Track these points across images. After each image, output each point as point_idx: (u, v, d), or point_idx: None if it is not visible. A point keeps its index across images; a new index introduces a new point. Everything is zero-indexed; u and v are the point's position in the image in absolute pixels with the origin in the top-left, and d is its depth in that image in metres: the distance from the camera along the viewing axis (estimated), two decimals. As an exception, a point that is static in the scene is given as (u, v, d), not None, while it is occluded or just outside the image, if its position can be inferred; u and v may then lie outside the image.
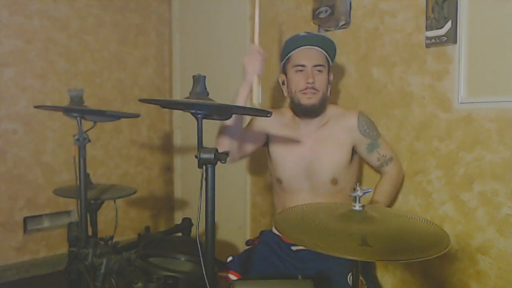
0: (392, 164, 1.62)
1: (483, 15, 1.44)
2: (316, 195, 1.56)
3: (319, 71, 1.52)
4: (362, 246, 0.82)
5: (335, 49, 1.59)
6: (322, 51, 1.55)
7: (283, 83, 1.62)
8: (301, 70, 1.52)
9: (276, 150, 1.63)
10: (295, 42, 1.56)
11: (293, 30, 2.18)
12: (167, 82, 3.21)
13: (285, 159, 1.60)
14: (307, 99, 1.52)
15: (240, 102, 1.45)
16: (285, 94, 1.61)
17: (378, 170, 1.66)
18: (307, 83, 1.50)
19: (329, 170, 1.54)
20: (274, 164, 1.64)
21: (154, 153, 3.18)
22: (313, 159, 1.56)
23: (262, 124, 1.64)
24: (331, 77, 1.61)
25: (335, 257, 0.79)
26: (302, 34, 1.57)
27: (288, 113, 1.65)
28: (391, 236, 0.89)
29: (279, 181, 1.62)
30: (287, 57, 1.57)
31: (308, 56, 1.53)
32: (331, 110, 1.62)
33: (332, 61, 1.59)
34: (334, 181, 1.54)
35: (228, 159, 1.54)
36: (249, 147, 1.63)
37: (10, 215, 2.53)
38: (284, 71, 1.60)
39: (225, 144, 1.50)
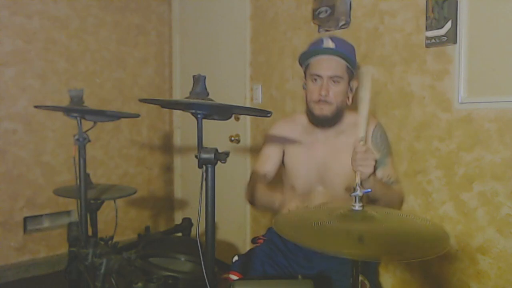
0: (395, 185, 1.56)
1: (483, 15, 1.44)
2: (330, 201, 1.53)
3: (335, 82, 1.47)
4: (358, 244, 0.82)
5: (355, 55, 1.55)
6: (342, 60, 1.48)
7: (303, 87, 1.59)
8: (316, 80, 1.49)
9: (291, 158, 1.61)
10: (314, 51, 1.51)
11: (293, 30, 2.18)
12: (167, 82, 3.21)
13: (299, 166, 1.58)
14: (319, 110, 1.49)
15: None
16: (305, 99, 1.58)
17: None
18: (320, 95, 1.47)
19: (343, 179, 1.51)
20: (288, 172, 1.63)
21: (154, 153, 3.18)
22: (328, 167, 1.54)
23: (279, 139, 1.63)
24: (355, 85, 1.55)
25: (339, 257, 0.79)
26: (324, 42, 1.49)
27: (304, 118, 1.61)
28: (389, 236, 0.89)
29: (293, 188, 1.61)
30: (306, 64, 1.54)
31: (325, 66, 1.48)
32: (350, 117, 1.56)
33: (354, 68, 1.53)
34: (349, 189, 1.51)
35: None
36: (276, 169, 1.66)
37: (10, 215, 2.53)
38: (305, 76, 1.57)
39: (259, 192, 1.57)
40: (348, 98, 1.55)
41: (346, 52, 1.49)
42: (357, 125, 1.54)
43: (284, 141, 1.64)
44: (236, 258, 1.50)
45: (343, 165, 1.51)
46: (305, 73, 1.57)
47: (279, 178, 1.72)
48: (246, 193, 1.67)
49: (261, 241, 1.63)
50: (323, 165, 1.55)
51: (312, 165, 1.56)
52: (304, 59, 1.55)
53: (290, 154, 1.62)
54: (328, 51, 1.48)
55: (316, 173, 1.55)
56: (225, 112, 1.09)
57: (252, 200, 1.62)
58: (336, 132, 1.56)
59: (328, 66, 1.48)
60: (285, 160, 1.64)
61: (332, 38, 1.51)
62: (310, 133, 1.59)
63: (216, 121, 1.10)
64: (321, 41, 1.51)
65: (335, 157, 1.53)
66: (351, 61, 1.50)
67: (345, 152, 1.52)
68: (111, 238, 1.60)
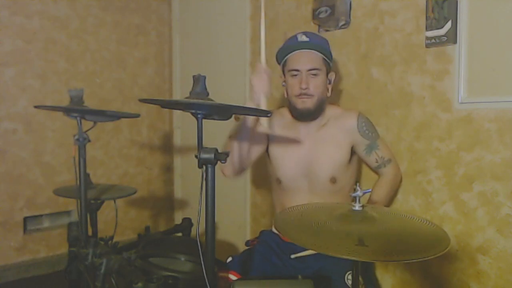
0: (390, 165, 1.63)
1: (483, 15, 1.44)
2: (315, 194, 1.56)
3: (314, 75, 1.51)
4: (358, 246, 0.82)
5: (329, 48, 1.58)
6: (318, 53, 1.52)
7: (283, 85, 1.62)
8: (295, 75, 1.52)
9: (276, 151, 1.63)
10: (290, 46, 1.55)
11: (293, 30, 2.18)
12: (167, 82, 3.21)
13: (284, 159, 1.60)
14: (302, 103, 1.53)
15: (249, 121, 1.48)
16: (285, 96, 1.61)
17: (375, 171, 1.66)
18: (301, 88, 1.50)
19: (328, 169, 1.54)
20: (273, 165, 1.65)
21: (154, 153, 3.18)
22: (312, 158, 1.56)
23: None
24: (332, 77, 1.59)
25: (333, 256, 0.79)
26: (298, 38, 1.55)
27: (287, 113, 1.65)
28: (389, 236, 0.89)
29: (279, 181, 1.63)
30: (283, 60, 1.58)
31: (302, 60, 1.52)
32: (330, 110, 1.61)
33: (330, 60, 1.57)
34: (333, 180, 1.54)
35: (232, 172, 1.58)
36: (254, 154, 1.63)
37: (10, 215, 2.53)
38: (283, 73, 1.61)
39: (233, 159, 1.54)
40: (328, 90, 1.59)
41: (321, 44, 1.54)
42: (339, 118, 1.58)
43: (270, 128, 1.64)
44: (230, 259, 1.50)
45: (326, 157, 1.55)
46: (283, 70, 1.60)
47: (266, 173, 1.73)
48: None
49: (254, 243, 1.64)
50: (307, 157, 1.57)
51: (296, 158, 1.59)
52: (281, 57, 1.59)
53: (275, 146, 1.65)
54: (303, 45, 1.52)
55: (300, 166, 1.58)
56: (225, 112, 1.09)
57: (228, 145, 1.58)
58: (318, 125, 1.59)
59: (305, 60, 1.52)
60: (270, 151, 1.66)
61: (306, 33, 1.56)
62: (293, 127, 1.62)
63: (216, 121, 1.10)
64: (295, 37, 1.56)
65: (319, 150, 1.56)
66: (327, 53, 1.55)
67: (328, 144, 1.56)
68: (111, 238, 1.60)
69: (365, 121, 1.58)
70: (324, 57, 1.53)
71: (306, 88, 1.50)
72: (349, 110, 1.64)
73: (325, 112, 1.60)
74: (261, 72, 1.44)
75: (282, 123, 1.64)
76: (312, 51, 1.52)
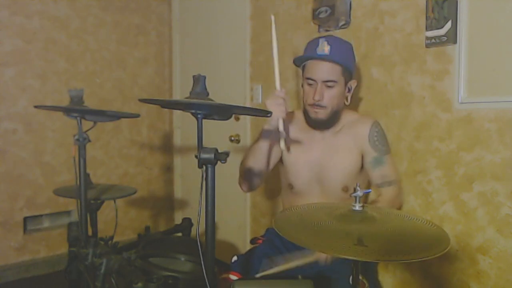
0: (392, 187, 1.54)
1: (483, 15, 1.44)
2: (327, 199, 1.54)
3: (329, 86, 1.46)
4: (357, 246, 0.82)
5: (352, 55, 1.53)
6: (337, 65, 1.45)
7: (302, 87, 1.58)
8: (311, 84, 1.48)
9: (289, 156, 1.60)
10: (311, 52, 1.49)
11: (293, 30, 2.18)
12: (167, 82, 3.21)
13: (297, 165, 1.58)
14: (314, 114, 1.50)
15: (265, 144, 1.50)
16: (302, 99, 1.58)
17: (376, 188, 1.57)
18: (314, 99, 1.46)
19: (340, 178, 1.52)
20: (286, 169, 1.62)
21: (154, 153, 3.18)
22: (324, 166, 1.54)
23: (276, 135, 1.63)
24: (353, 84, 1.54)
25: (338, 256, 0.79)
26: (319, 48, 1.47)
27: (302, 116, 1.62)
28: (389, 236, 0.89)
29: (291, 186, 1.61)
30: (302, 65, 1.54)
31: (319, 70, 1.46)
32: (347, 117, 1.57)
33: (351, 70, 1.51)
34: (346, 189, 1.52)
35: (249, 188, 1.60)
36: (271, 166, 1.61)
37: (10, 215, 2.53)
38: (302, 77, 1.56)
39: (253, 179, 1.56)
40: (347, 98, 1.54)
41: (341, 57, 1.46)
42: (353, 124, 1.55)
43: (285, 153, 1.61)
44: (235, 258, 1.50)
45: (340, 165, 1.52)
46: (302, 74, 1.56)
47: (278, 178, 1.72)
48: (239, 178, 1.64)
49: (260, 241, 1.63)
50: (320, 164, 1.55)
51: (309, 164, 1.56)
52: (302, 60, 1.54)
53: (288, 153, 1.62)
54: (322, 57, 1.45)
55: (313, 172, 1.56)
56: (225, 112, 1.09)
57: (244, 171, 1.59)
58: (333, 132, 1.56)
59: (322, 70, 1.46)
60: (283, 158, 1.63)
61: (328, 40, 1.47)
62: (307, 131, 1.59)
63: (216, 121, 1.10)
64: (316, 44, 1.48)
65: (332, 157, 1.53)
66: (347, 65, 1.48)
67: (341, 152, 1.52)
68: (111, 238, 1.60)
69: (378, 132, 1.54)
70: (343, 68, 1.47)
71: (319, 100, 1.46)
72: (365, 117, 1.60)
73: (340, 119, 1.56)
74: (277, 97, 1.40)
75: (297, 127, 1.61)
76: (331, 62, 1.45)
